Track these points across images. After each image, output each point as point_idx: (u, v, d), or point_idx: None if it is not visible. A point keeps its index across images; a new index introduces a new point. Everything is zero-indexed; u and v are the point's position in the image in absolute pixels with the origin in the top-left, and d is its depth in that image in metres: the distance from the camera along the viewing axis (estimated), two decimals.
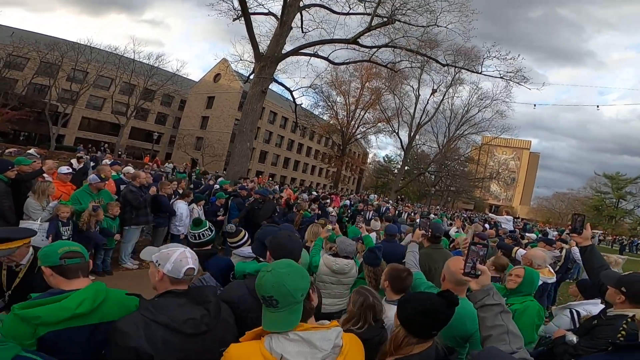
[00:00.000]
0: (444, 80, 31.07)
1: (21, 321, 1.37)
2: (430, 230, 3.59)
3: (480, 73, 18.43)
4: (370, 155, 57.69)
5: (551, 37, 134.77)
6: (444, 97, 34.56)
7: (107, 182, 5.44)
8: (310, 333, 1.23)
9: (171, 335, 1.36)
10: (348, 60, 19.10)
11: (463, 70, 21.79)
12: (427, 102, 34.31)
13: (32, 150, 7.66)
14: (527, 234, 11.59)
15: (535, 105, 28.31)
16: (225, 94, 40.58)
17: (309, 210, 9.31)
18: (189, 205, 6.82)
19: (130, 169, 7.03)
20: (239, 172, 12.81)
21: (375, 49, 16.03)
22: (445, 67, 19.84)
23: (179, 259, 1.48)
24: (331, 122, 37.90)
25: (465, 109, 36.87)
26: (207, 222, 2.71)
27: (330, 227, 4.14)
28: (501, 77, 17.83)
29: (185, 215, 6.62)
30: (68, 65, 31.35)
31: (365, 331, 1.97)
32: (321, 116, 37.12)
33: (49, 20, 79.23)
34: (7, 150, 5.59)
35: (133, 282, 4.99)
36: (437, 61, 18.30)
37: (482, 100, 34.89)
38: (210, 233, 2.66)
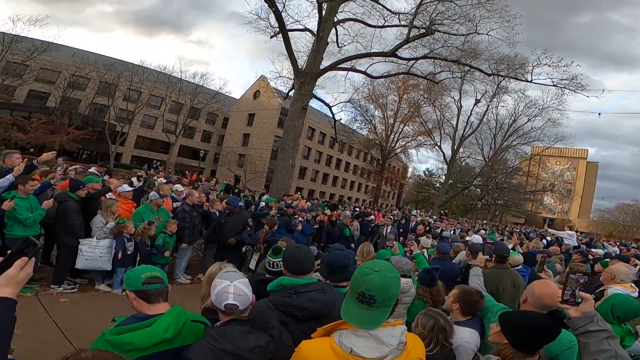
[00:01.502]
0: (487, 89, 29.78)
1: (113, 347, 1.41)
2: (493, 253, 3.58)
3: (530, 81, 17.39)
4: (410, 170, 56.35)
5: (603, 43, 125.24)
6: (488, 107, 33.15)
7: (165, 199, 5.70)
8: (378, 330, 1.28)
9: None
10: (386, 74, 18.99)
11: (508, 79, 20.76)
12: (471, 113, 33.10)
13: (93, 169, 8.21)
14: (592, 250, 10.52)
15: (600, 114, 25.80)
16: (264, 111, 41.68)
17: (349, 226, 9.28)
18: None
19: (179, 186, 7.35)
20: (282, 189, 12.92)
21: (414, 61, 15.78)
22: (489, 76, 19.01)
23: (220, 292, 1.51)
24: (370, 136, 37.61)
25: (512, 118, 35.12)
26: None
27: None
28: (554, 85, 16.65)
29: None
30: (124, 85, 33.98)
31: (437, 353, 2.01)
32: (359, 131, 37.04)
33: (107, 40, 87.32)
34: (70, 168, 6.03)
35: (185, 296, 5.09)
36: (481, 71, 17.60)
37: (530, 108, 33.00)
38: None
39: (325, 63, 14.61)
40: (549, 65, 15.88)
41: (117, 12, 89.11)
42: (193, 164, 38.09)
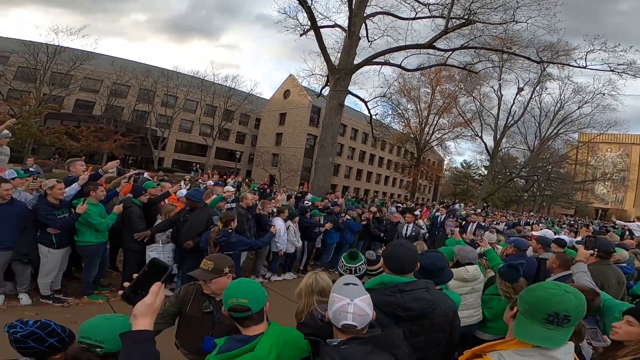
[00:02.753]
0: (529, 78, 28.21)
1: None
2: (598, 248, 3.40)
3: (585, 67, 16.34)
4: (446, 162, 54.57)
5: None
6: (532, 95, 31.38)
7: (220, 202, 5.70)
8: (555, 349, 1.21)
9: None
10: (421, 66, 18.47)
11: (552, 66, 19.59)
12: (513, 102, 31.50)
13: (146, 174, 8.45)
14: None
15: None
16: (295, 110, 41.92)
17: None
18: (285, 222, 6.87)
19: (230, 188, 7.36)
20: (323, 187, 12.86)
21: (451, 52, 15.32)
22: (529, 64, 18.17)
23: (339, 310, 1.40)
24: (404, 130, 36.78)
25: (558, 105, 33.06)
26: (362, 255, 2.49)
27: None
28: (611, 71, 15.71)
29: (282, 232, 6.67)
30: (161, 91, 35.46)
31: None
32: (392, 125, 36.32)
33: (142, 48, 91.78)
34: (128, 174, 6.18)
35: None
36: (528, 58, 16.64)
37: (578, 94, 30.95)
38: (364, 267, 2.43)
39: (357, 59, 14.48)
40: (605, 51, 15.34)
41: (150, 21, 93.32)
42: (230, 165, 39.03)
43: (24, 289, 4.18)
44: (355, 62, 14.08)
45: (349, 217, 8.15)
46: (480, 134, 33.67)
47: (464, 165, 55.69)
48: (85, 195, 4.35)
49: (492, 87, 31.21)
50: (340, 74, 13.36)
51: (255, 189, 12.23)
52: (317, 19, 13.74)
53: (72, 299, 4.43)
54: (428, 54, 16.07)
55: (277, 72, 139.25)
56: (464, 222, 9.47)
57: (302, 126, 41.26)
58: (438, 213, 10.78)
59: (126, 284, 1.06)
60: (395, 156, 50.35)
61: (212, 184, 8.29)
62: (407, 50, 15.39)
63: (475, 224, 8.58)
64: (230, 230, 4.17)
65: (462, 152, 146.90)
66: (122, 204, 4.58)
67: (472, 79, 26.40)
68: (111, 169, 5.11)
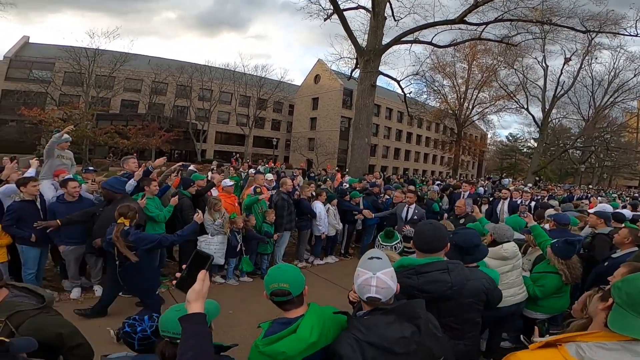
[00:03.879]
0: (576, 48, 25.84)
1: (268, 358, 1.43)
2: None
3: (637, 35, 15.07)
4: (489, 136, 51.77)
5: None
6: (581, 65, 28.93)
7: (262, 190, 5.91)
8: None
9: (382, 356, 1.35)
10: (453, 42, 17.56)
11: (601, 35, 17.88)
12: (561, 73, 29.23)
13: (192, 167, 8.87)
14: None
15: None
16: (327, 94, 41.84)
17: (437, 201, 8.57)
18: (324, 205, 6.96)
19: (270, 175, 7.58)
20: (360, 168, 12.88)
21: (485, 26, 14.52)
22: (575, 34, 16.91)
23: (362, 284, 1.45)
24: (441, 107, 35.35)
25: (612, 74, 30.42)
26: (398, 233, 2.51)
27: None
28: None
29: (323, 215, 6.75)
30: (197, 86, 36.79)
31: None
32: (429, 102, 35.05)
33: (176, 45, 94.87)
34: (174, 166, 6.49)
35: None
36: (572, 28, 15.48)
37: (633, 62, 28.30)
38: (401, 245, 2.45)
39: (385, 39, 14.13)
40: None
41: (180, 18, 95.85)
42: (267, 153, 39.94)
43: (97, 280, 4.63)
44: (384, 42, 13.82)
45: (388, 197, 8.09)
46: (526, 106, 31.60)
47: (510, 138, 52.60)
48: (141, 190, 4.70)
49: (535, 58, 28.98)
50: (369, 55, 13.21)
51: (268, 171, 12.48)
52: (340, 2, 13.64)
53: None
54: (460, 29, 15.44)
55: (306, 58, 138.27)
56: (491, 199, 8.92)
57: (335, 109, 41.13)
58: (481, 189, 10.35)
59: (178, 274, 1.24)
60: (434, 133, 48.80)
61: (254, 172, 8.56)
62: (437, 27, 14.85)
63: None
64: (134, 227, 3.51)
65: (507, 126, 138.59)
66: (176, 196, 4.88)
67: (511, 51, 24.65)
68: (159, 164, 5.45)
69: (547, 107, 29.99)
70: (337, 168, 18.14)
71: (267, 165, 18.12)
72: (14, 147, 26.80)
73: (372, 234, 7.63)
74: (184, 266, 1.24)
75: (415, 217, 6.11)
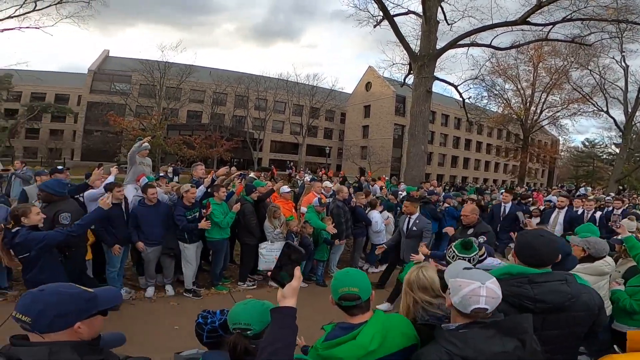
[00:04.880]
0: None
1: None
2: None
3: None
4: (561, 142, 47.28)
5: None
6: None
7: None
8: None
9: None
10: (516, 43, 16.47)
11: None
12: None
13: (252, 174, 9.32)
14: None
15: None
16: (379, 101, 41.44)
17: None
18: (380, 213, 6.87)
19: (328, 183, 7.67)
20: (417, 177, 12.50)
21: (551, 26, 13.53)
22: None
23: (468, 295, 1.34)
24: (504, 111, 33.06)
25: None
26: (476, 245, 2.40)
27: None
28: None
29: (380, 224, 6.68)
30: (253, 96, 38.60)
31: None
32: (490, 107, 33.00)
33: (235, 56, 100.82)
34: (233, 174, 6.84)
35: None
36: None
37: None
38: (478, 257, 2.33)
39: (439, 43, 13.73)
40: None
41: (237, 29, 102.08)
42: (320, 161, 40.53)
43: (169, 280, 5.01)
44: (438, 46, 13.46)
45: (447, 205, 7.80)
46: (606, 109, 28.26)
47: (587, 144, 47.51)
48: (210, 196, 5.04)
49: (612, 57, 25.86)
50: (422, 60, 12.92)
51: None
52: (389, 8, 13.55)
53: (203, 289, 5.14)
54: (522, 30, 14.74)
55: (357, 66, 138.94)
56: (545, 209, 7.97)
57: (387, 117, 40.62)
58: (553, 198, 9.38)
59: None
60: (496, 139, 45.89)
61: (309, 179, 8.73)
62: (495, 29, 14.15)
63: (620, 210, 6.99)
64: (12, 229, 3.11)
65: (584, 130, 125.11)
66: (239, 203, 5.15)
67: (584, 51, 22.35)
68: (222, 173, 5.85)
69: (630, 110, 26.62)
70: (382, 176, 17.84)
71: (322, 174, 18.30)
72: (98, 155, 30.38)
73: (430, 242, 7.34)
74: (275, 257, 1.28)
75: (415, 228, 5.24)
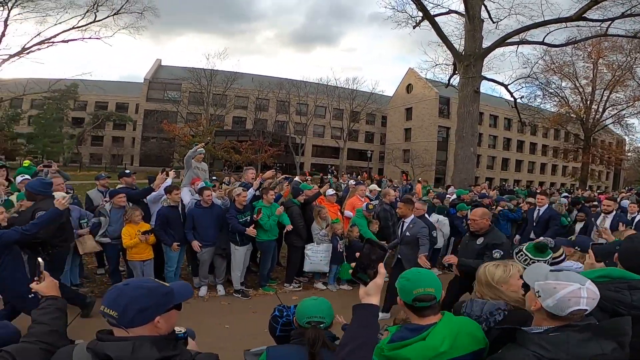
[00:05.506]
0: None
1: None
2: None
3: None
4: (628, 142, 42.87)
5: None
6: None
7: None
8: None
9: None
10: (572, 39, 15.40)
11: None
12: None
13: (297, 178, 9.49)
14: None
15: None
16: (422, 103, 40.51)
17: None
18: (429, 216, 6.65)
19: (375, 186, 7.60)
20: (465, 180, 12.07)
21: (610, 21, 12.81)
22: None
23: (567, 297, 1.28)
24: (562, 110, 30.62)
25: None
26: (550, 248, 2.26)
27: None
28: None
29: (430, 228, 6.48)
30: (294, 101, 39.37)
31: None
32: (545, 107, 30.76)
33: (275, 62, 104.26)
34: (279, 178, 7.02)
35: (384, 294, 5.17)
36: None
37: None
38: (558, 259, 2.20)
39: (486, 42, 13.44)
40: None
41: (277, 36, 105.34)
42: (362, 165, 40.24)
43: (220, 280, 5.20)
44: (484, 45, 13.10)
45: (501, 208, 7.42)
46: None
47: None
48: (259, 198, 5.20)
49: None
50: (468, 60, 12.56)
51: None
52: (428, 8, 13.37)
53: (251, 290, 5.29)
54: (578, 26, 14.00)
55: (397, 68, 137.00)
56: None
57: (431, 119, 39.53)
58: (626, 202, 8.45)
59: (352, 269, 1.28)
60: (552, 140, 42.71)
61: (354, 183, 8.71)
62: (548, 26, 13.53)
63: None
64: None
65: None
66: (282, 206, 5.26)
67: None
68: (268, 177, 6.03)
69: None
70: (419, 179, 17.31)
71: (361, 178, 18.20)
72: (154, 160, 32.68)
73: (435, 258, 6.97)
74: (357, 254, 1.27)
75: (409, 233, 4.57)
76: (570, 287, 1.28)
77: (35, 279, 1.57)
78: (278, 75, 43.62)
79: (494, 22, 14.06)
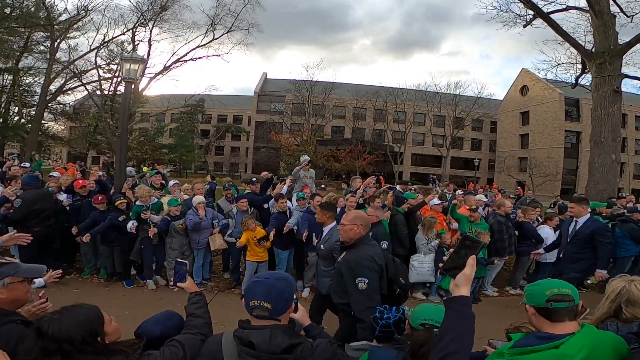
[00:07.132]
0: None
1: None
2: None
3: None
4: None
5: None
6: None
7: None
8: None
9: None
10: None
11: None
12: None
13: (398, 187, 9.41)
14: None
15: None
16: (541, 106, 35.73)
17: None
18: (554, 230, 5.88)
19: (482, 197, 7.05)
20: (604, 191, 10.25)
21: None
22: None
23: None
24: None
25: None
26: None
27: None
28: None
29: (550, 241, 5.71)
30: (391, 109, 38.72)
31: None
32: None
33: (372, 70, 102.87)
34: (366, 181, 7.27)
35: (495, 308, 5.07)
36: None
37: None
38: None
39: (622, 37, 11.25)
40: None
41: (374, 43, 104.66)
42: (467, 174, 37.26)
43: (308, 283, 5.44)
44: (620, 41, 11.09)
45: None
46: None
47: None
48: (362, 207, 5.39)
49: None
50: (602, 57, 10.72)
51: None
52: (540, 5, 11.89)
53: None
54: None
55: (508, 70, 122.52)
56: None
57: (555, 123, 34.48)
58: None
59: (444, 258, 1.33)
60: None
61: (462, 193, 8.23)
62: None
63: None
64: None
65: None
66: (389, 212, 5.31)
67: None
68: (369, 183, 6.30)
69: None
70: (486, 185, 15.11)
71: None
72: (264, 168, 35.95)
73: (626, 267, 5.91)
74: (450, 251, 1.31)
75: (323, 247, 3.43)
76: None
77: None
78: (374, 84, 43.89)
79: (628, 17, 12.07)
